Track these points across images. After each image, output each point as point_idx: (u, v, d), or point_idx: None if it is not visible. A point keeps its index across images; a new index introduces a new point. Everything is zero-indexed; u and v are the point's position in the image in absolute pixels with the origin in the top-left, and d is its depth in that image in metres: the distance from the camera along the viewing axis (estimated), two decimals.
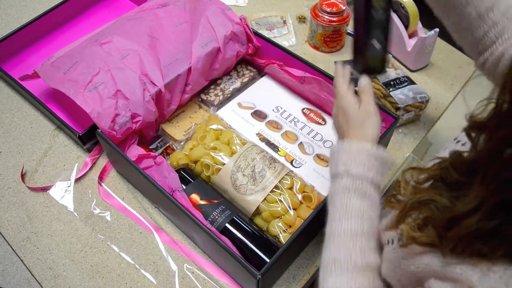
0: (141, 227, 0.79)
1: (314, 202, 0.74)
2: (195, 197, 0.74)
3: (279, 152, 0.83)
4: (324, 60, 1.05)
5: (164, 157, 0.83)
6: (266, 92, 0.93)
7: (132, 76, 0.80)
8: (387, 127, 0.80)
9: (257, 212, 0.74)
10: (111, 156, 0.85)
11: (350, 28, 1.11)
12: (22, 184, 0.85)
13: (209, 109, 0.91)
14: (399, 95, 0.89)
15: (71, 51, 0.88)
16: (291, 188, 0.75)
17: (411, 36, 0.99)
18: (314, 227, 0.72)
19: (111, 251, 0.77)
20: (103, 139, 0.76)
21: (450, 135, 0.58)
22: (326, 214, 0.58)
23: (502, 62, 0.62)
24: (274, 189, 0.73)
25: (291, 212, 0.72)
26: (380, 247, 0.55)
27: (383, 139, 0.78)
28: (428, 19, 0.99)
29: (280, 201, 0.72)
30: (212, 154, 0.77)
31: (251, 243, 0.70)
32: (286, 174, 0.76)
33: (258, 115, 0.89)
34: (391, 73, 0.93)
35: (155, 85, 0.81)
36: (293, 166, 0.81)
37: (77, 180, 0.85)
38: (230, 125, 0.86)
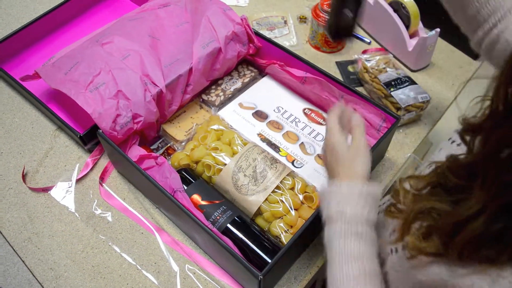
0: (142, 228, 0.79)
1: (316, 203, 0.74)
2: (196, 197, 0.74)
3: (280, 153, 0.83)
4: (325, 60, 1.05)
5: (165, 158, 0.83)
6: (267, 92, 0.93)
7: (133, 76, 0.80)
8: (388, 127, 0.80)
9: (259, 212, 0.74)
10: (112, 157, 0.85)
11: None
12: (23, 185, 0.85)
13: (210, 109, 0.91)
14: (400, 95, 0.89)
15: (72, 52, 0.88)
16: (292, 189, 0.75)
17: (412, 36, 0.99)
18: (316, 228, 0.72)
19: (112, 251, 0.77)
20: (104, 139, 0.76)
21: (451, 135, 0.57)
22: (325, 259, 0.57)
23: (498, 46, 0.61)
24: (275, 190, 0.73)
25: (293, 212, 0.72)
26: (381, 260, 0.54)
27: (384, 140, 0.78)
28: (429, 19, 1.00)
29: (282, 201, 0.72)
30: (213, 154, 0.77)
31: (252, 243, 0.70)
32: (287, 175, 0.76)
33: (259, 115, 0.89)
34: (392, 73, 0.93)
35: (156, 85, 0.81)
36: (294, 167, 0.81)
37: (78, 180, 0.85)
38: (231, 126, 0.86)
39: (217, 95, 0.92)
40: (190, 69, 0.86)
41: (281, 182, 0.74)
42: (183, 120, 0.90)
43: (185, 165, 0.80)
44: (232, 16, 0.92)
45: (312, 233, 0.75)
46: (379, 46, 1.07)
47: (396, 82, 0.91)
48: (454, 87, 1.00)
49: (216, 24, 0.90)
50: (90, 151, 0.89)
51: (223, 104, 0.92)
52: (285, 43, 1.08)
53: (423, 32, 0.98)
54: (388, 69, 0.94)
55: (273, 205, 0.73)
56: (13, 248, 0.78)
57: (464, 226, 0.39)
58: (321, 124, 0.88)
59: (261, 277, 0.61)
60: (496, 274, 0.38)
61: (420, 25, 0.98)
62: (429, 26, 1.00)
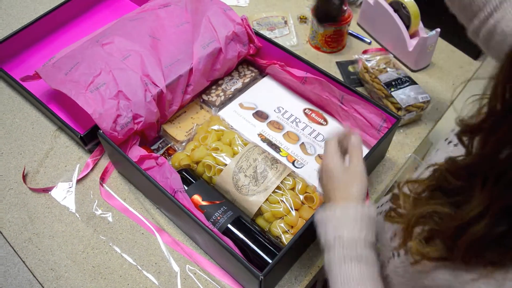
0: (143, 228, 0.79)
1: (316, 203, 0.74)
2: (197, 198, 0.74)
3: (280, 153, 0.83)
4: (325, 60, 1.05)
5: (166, 158, 0.83)
6: (267, 93, 0.93)
7: (134, 76, 0.80)
8: (389, 127, 0.80)
9: (259, 212, 0.74)
10: (112, 157, 0.85)
11: (351, 28, 1.11)
12: (23, 185, 0.85)
13: (210, 109, 0.91)
14: (401, 95, 0.89)
15: (72, 52, 0.88)
16: (293, 189, 0.75)
17: (412, 36, 0.99)
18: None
19: (113, 252, 0.77)
20: (104, 140, 0.76)
21: (448, 135, 0.57)
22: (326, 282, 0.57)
23: (495, 37, 0.60)
24: (276, 190, 0.73)
25: (293, 212, 0.72)
26: (381, 263, 0.54)
27: (385, 140, 0.78)
28: (429, 19, 0.99)
29: (282, 201, 0.72)
30: (214, 154, 0.77)
31: (253, 244, 0.70)
32: (288, 175, 0.75)
33: (260, 115, 0.89)
34: (393, 73, 0.93)
35: (156, 85, 0.81)
36: (295, 167, 0.81)
37: (79, 181, 0.85)
38: (231, 126, 0.86)
39: (218, 95, 0.92)
40: (191, 69, 0.86)
41: (281, 182, 0.74)
42: (184, 121, 0.90)
43: (186, 166, 0.80)
44: (233, 16, 0.92)
45: (313, 233, 0.75)
46: (379, 46, 1.07)
47: (396, 82, 0.91)
48: (454, 87, 1.00)
49: (216, 24, 0.90)
50: (90, 151, 0.89)
51: (223, 104, 0.92)
52: (286, 43, 1.08)
53: (424, 32, 0.98)
54: (388, 69, 0.94)
55: (273, 205, 0.73)
56: (13, 249, 0.78)
57: (466, 229, 0.39)
58: (321, 124, 0.88)
59: (262, 277, 0.61)
60: (502, 278, 0.38)
61: (421, 25, 0.98)
62: (429, 26, 1.00)
